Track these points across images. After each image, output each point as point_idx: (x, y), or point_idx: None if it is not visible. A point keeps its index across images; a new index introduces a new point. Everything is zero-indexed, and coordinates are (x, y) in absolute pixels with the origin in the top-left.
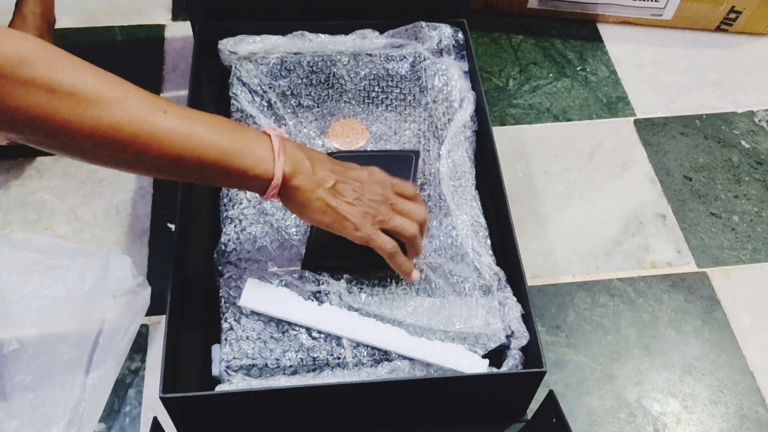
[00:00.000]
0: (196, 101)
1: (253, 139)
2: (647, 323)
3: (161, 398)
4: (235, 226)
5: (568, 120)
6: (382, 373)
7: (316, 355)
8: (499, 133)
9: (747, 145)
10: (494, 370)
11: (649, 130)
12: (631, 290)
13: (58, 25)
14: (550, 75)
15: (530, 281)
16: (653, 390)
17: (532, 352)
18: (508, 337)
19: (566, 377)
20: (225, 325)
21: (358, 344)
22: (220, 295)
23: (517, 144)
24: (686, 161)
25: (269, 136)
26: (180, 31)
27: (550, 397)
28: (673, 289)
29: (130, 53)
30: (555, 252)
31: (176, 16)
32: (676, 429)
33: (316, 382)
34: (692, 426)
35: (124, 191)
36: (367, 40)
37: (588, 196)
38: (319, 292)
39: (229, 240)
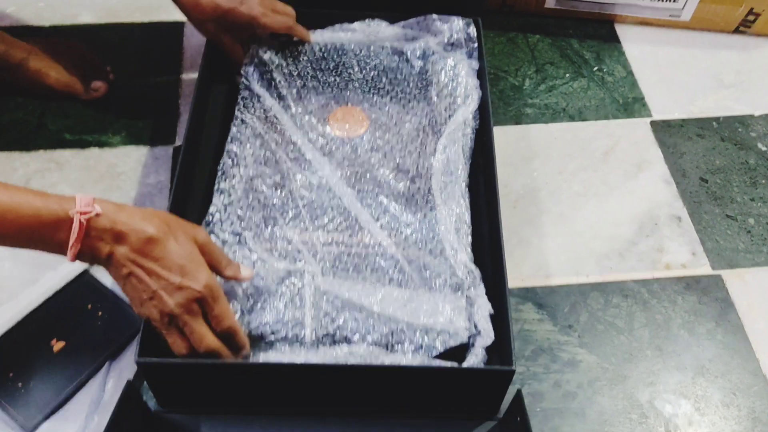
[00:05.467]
0: (206, 84)
1: (49, 229)
2: (660, 324)
3: (137, 362)
4: (224, 199)
5: (584, 120)
6: (340, 354)
7: (277, 329)
8: (514, 132)
9: (764, 148)
10: (454, 364)
11: (665, 131)
12: (644, 291)
13: (77, 21)
14: (567, 75)
15: (543, 281)
16: (665, 391)
17: (504, 351)
18: (471, 336)
19: (578, 377)
20: None
21: (317, 327)
22: None
23: (533, 143)
24: (702, 163)
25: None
26: None
27: (518, 395)
28: (687, 290)
29: (148, 50)
30: (569, 252)
31: None
32: (687, 431)
33: (281, 361)
34: (704, 428)
35: (142, 185)
36: (379, 32)
37: (602, 197)
38: (296, 270)
39: (216, 211)
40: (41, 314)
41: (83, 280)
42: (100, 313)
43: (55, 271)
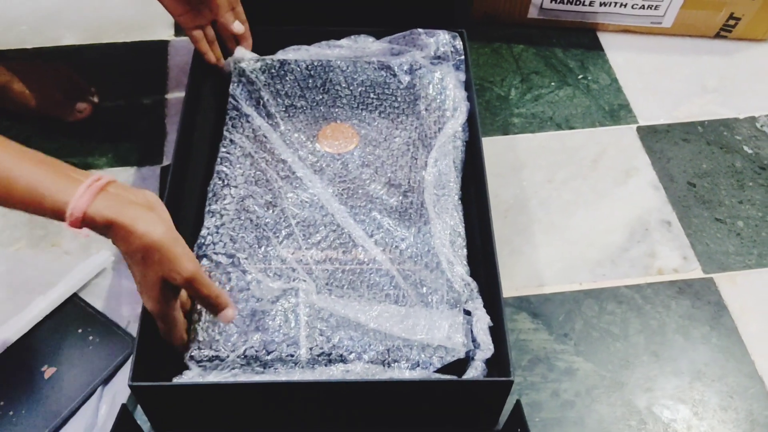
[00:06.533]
0: (193, 102)
1: (49, 215)
2: (655, 330)
3: (130, 386)
4: (215, 220)
5: (571, 128)
6: (336, 373)
7: (272, 349)
8: (502, 142)
9: (750, 151)
10: (454, 377)
11: (651, 137)
12: (638, 297)
13: (61, 43)
14: (552, 84)
15: (536, 290)
16: (663, 397)
17: (501, 361)
18: (469, 351)
19: (576, 385)
20: (194, 316)
21: (312, 346)
22: None
23: (521, 153)
24: (689, 167)
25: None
26: (183, 46)
27: (517, 406)
28: (680, 295)
29: (133, 69)
30: (561, 260)
31: (179, 32)
32: None
33: (276, 379)
34: None
35: None
36: (365, 47)
37: (593, 204)
38: (290, 288)
39: (208, 233)
40: (31, 340)
41: (72, 304)
42: (90, 337)
43: (43, 296)
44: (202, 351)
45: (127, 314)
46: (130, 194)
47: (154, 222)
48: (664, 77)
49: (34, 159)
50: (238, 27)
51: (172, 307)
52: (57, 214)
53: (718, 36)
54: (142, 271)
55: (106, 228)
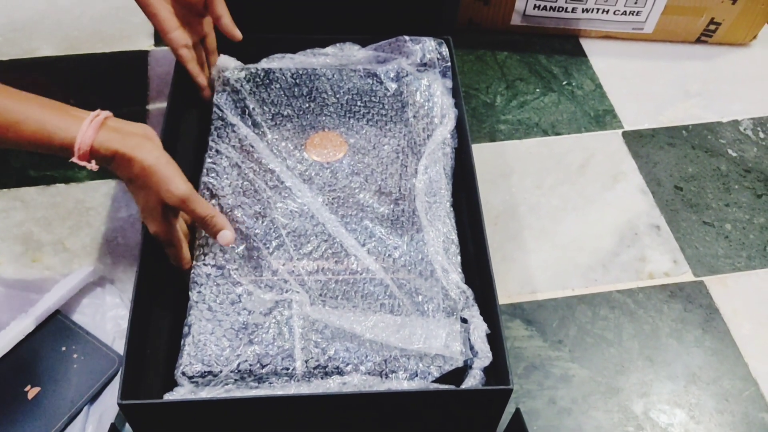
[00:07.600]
0: (176, 113)
1: (56, 150)
2: (649, 334)
3: (119, 404)
4: (204, 232)
5: (558, 134)
6: (332, 386)
7: (266, 362)
8: (489, 149)
9: (734, 154)
10: (454, 387)
11: (637, 141)
12: (630, 302)
13: (39, 54)
14: (537, 90)
15: (529, 296)
16: (659, 401)
17: (499, 369)
18: (467, 359)
19: (572, 392)
20: (185, 330)
21: (308, 359)
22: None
23: (509, 159)
24: (676, 171)
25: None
26: (164, 56)
27: (517, 415)
28: (672, 299)
29: (113, 80)
30: (553, 266)
31: (159, 42)
32: None
33: (272, 393)
34: None
35: (112, 220)
36: (351, 55)
37: (582, 209)
38: (283, 300)
39: (198, 245)
40: (13, 360)
41: (55, 321)
42: (75, 355)
43: (25, 314)
44: (194, 366)
45: (112, 330)
46: (128, 126)
47: (149, 149)
48: (647, 82)
49: (37, 101)
50: (238, 33)
51: (175, 228)
52: (65, 149)
53: (699, 41)
54: (144, 196)
55: (110, 159)
